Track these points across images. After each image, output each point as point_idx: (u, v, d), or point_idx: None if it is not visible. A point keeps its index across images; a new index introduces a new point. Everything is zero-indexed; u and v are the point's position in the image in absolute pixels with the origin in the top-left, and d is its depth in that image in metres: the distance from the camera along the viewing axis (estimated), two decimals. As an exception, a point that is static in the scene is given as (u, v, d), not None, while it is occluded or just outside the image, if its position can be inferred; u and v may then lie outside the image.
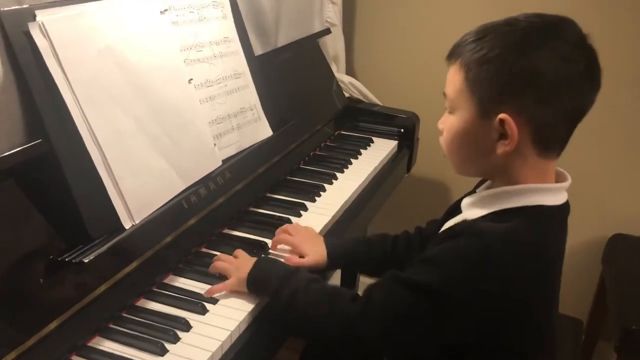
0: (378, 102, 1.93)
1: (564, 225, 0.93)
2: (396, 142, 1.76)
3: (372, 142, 1.74)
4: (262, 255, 1.07)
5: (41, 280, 0.86)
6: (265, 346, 1.05)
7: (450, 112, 0.91)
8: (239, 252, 1.10)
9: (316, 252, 1.16)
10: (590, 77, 0.85)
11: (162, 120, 1.08)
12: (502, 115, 0.83)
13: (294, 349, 1.34)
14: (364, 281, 2.18)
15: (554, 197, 0.89)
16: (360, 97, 1.92)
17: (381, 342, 0.91)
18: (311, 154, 1.62)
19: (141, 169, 1.02)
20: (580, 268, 1.93)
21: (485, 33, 0.85)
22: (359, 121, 1.84)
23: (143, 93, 1.05)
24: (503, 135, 0.85)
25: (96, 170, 0.95)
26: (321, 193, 1.42)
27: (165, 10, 1.14)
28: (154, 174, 1.05)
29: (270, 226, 1.24)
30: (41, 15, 0.91)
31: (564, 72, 0.82)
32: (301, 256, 1.15)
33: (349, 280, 2.01)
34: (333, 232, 1.29)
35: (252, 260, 1.05)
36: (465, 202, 0.96)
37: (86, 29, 0.98)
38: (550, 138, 0.87)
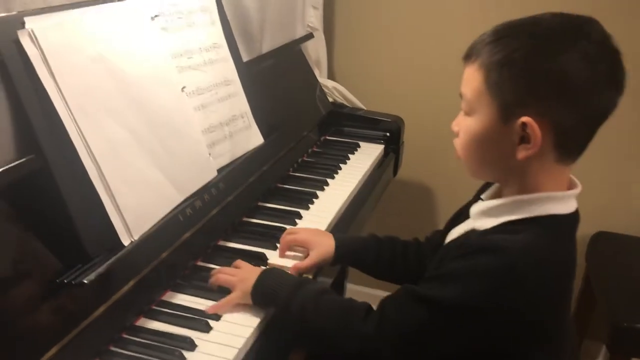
0: (362, 107, 1.91)
1: (574, 233, 0.91)
2: (383, 146, 1.75)
3: (359, 146, 1.72)
4: (267, 267, 1.03)
5: (39, 304, 0.80)
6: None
7: (467, 114, 0.88)
8: (241, 263, 1.07)
9: (323, 245, 1.13)
10: (614, 79, 0.82)
11: (156, 131, 1.03)
12: (524, 119, 0.80)
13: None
14: (351, 288, 2.16)
15: (565, 205, 0.88)
16: (344, 102, 1.90)
17: (399, 356, 0.89)
18: (299, 160, 1.59)
19: (138, 182, 0.98)
20: (565, 266, 1.94)
21: (505, 33, 0.83)
22: (343, 126, 1.82)
23: (137, 102, 1.00)
24: (524, 139, 0.82)
25: (92, 185, 0.90)
26: (314, 200, 1.39)
27: (156, 16, 1.09)
28: (151, 187, 1.00)
29: (266, 236, 1.21)
30: (30, 23, 0.86)
31: (589, 74, 0.79)
32: (307, 256, 1.12)
33: (337, 288, 1.98)
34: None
35: (255, 270, 1.02)
36: (475, 209, 0.94)
37: (77, 37, 0.93)
38: (572, 142, 0.84)
